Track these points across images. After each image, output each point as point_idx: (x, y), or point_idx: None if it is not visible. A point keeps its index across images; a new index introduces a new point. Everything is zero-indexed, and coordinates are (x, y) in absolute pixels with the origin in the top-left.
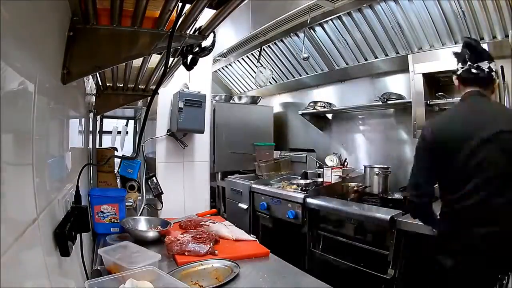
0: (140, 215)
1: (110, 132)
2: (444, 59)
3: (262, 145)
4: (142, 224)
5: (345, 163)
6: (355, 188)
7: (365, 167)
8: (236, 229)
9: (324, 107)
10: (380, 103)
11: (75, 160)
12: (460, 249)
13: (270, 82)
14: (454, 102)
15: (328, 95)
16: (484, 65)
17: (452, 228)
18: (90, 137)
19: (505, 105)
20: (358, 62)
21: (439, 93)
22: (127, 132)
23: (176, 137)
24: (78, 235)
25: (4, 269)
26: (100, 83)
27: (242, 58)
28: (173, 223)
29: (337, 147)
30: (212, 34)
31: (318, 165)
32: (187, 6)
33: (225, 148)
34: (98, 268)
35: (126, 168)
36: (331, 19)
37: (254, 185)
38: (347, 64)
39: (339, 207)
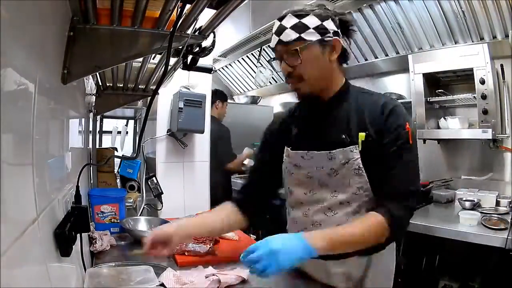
0: (140, 215)
1: (110, 132)
2: (444, 59)
3: None
4: (142, 224)
5: None
6: None
7: None
8: None
9: None
10: None
11: (75, 160)
12: None
13: (270, 82)
14: (454, 99)
15: None
16: None
17: None
18: (90, 137)
19: (505, 105)
20: (358, 62)
21: (439, 90)
22: (127, 132)
23: (176, 137)
24: (78, 235)
25: (4, 269)
26: (100, 83)
27: (242, 58)
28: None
29: None
30: (212, 34)
31: None
32: (187, 6)
33: None
34: None
35: (126, 168)
36: None
37: None
38: (347, 64)
39: None
